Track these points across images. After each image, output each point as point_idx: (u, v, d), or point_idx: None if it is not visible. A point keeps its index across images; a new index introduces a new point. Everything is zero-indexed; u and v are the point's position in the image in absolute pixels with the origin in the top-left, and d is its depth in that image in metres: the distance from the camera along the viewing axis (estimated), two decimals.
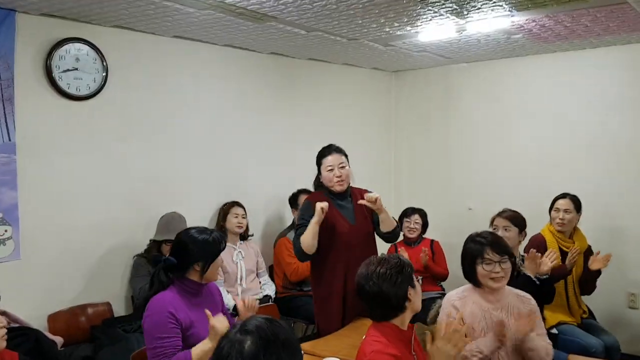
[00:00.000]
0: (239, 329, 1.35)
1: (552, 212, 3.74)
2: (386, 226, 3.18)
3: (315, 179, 3.31)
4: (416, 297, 2.06)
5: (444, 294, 4.37)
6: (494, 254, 2.43)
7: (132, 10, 3.06)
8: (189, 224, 3.56)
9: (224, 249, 2.47)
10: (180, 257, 2.38)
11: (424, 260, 4.22)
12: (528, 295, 2.58)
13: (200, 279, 2.42)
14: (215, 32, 3.59)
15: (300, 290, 4.12)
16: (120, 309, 3.52)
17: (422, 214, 4.51)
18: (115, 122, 3.50)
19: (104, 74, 3.39)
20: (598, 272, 3.59)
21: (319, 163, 3.23)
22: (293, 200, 4.35)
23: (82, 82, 3.29)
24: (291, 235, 4.24)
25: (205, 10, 3.07)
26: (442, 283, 4.46)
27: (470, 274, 2.52)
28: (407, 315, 2.06)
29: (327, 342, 2.66)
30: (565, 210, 3.65)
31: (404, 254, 4.22)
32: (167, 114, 3.77)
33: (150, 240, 3.53)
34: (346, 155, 3.24)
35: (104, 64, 3.38)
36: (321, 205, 2.96)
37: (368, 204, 3.05)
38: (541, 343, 2.43)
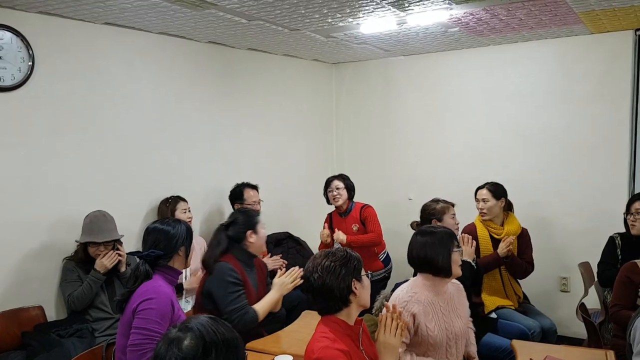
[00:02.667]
0: (180, 327, 1.33)
1: (475, 203, 3.91)
2: None
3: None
4: (363, 291, 2.05)
5: (388, 275, 4.42)
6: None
7: None
8: (121, 222, 3.40)
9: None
10: (163, 246, 2.41)
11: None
12: (455, 280, 2.67)
13: (183, 264, 2.49)
14: (149, 18, 3.43)
15: None
16: (53, 313, 3.31)
17: (342, 177, 4.43)
18: (43, 114, 3.28)
19: (30, 63, 3.17)
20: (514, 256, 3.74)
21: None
22: (235, 195, 4.20)
23: (6, 71, 3.06)
24: None
25: None
26: (384, 259, 4.42)
27: (445, 265, 2.46)
28: (354, 310, 2.05)
29: (277, 340, 2.62)
30: (483, 200, 3.83)
31: (340, 235, 4.23)
32: (98, 105, 3.57)
33: (75, 242, 3.29)
34: None
35: (30, 52, 3.16)
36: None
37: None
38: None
